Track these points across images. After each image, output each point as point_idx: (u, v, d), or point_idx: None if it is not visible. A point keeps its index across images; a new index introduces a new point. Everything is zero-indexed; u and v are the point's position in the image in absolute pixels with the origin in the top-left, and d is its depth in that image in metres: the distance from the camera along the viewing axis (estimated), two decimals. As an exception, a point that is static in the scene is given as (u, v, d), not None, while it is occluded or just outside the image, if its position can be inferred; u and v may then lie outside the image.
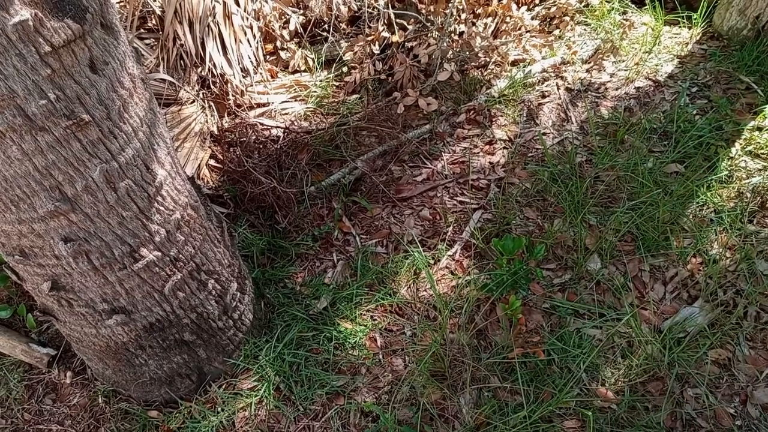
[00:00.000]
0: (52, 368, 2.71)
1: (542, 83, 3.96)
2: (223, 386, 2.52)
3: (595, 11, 4.40)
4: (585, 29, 4.38)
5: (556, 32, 4.37)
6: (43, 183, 1.56)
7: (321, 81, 4.11)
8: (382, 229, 3.21)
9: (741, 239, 2.83)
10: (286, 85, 4.04)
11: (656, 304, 2.68)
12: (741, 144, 3.25)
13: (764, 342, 2.51)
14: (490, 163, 3.48)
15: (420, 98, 3.93)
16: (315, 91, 4.04)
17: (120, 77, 1.63)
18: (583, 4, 4.46)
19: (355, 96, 4.04)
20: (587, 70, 4.02)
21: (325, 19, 4.25)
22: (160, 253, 1.95)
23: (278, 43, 4.23)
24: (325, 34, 4.28)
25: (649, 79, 3.83)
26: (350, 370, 2.59)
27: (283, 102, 3.94)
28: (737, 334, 2.53)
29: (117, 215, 1.76)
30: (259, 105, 3.89)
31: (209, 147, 3.51)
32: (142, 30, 3.84)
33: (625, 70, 3.95)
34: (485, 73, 4.09)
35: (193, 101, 3.60)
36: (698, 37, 4.09)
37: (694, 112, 3.49)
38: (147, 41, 3.76)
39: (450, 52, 4.06)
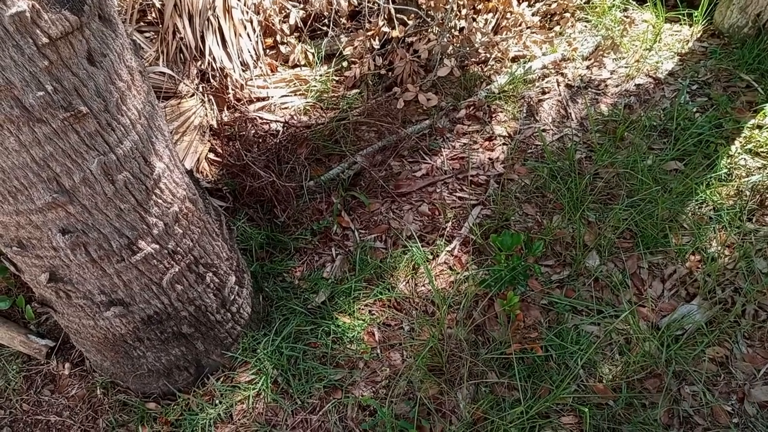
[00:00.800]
0: (51, 359, 2.71)
1: (542, 80, 3.96)
2: (221, 379, 2.53)
3: (596, 8, 4.39)
4: (586, 26, 4.37)
5: (557, 29, 4.36)
6: (40, 174, 1.56)
7: (321, 75, 4.10)
8: (381, 224, 3.21)
9: (740, 237, 2.83)
10: (286, 80, 4.04)
11: (654, 302, 2.69)
12: (741, 142, 3.25)
13: (762, 340, 2.51)
14: (490, 159, 3.48)
15: (420, 93, 3.92)
16: (315, 86, 4.03)
17: (118, 69, 1.62)
18: (584, 0, 4.46)
19: (354, 91, 4.04)
20: (588, 67, 4.02)
21: (326, 13, 4.25)
22: (158, 246, 1.95)
23: (278, 38, 4.22)
24: (325, 28, 4.27)
25: (650, 77, 3.82)
26: (348, 364, 2.59)
27: (282, 96, 3.94)
28: (735, 332, 2.53)
29: (115, 207, 1.76)
30: (258, 99, 3.88)
31: (208, 140, 3.51)
32: (141, 23, 3.83)
33: (625, 67, 3.95)
34: (485, 69, 4.08)
35: (193, 95, 3.59)
36: (699, 35, 4.08)
37: (694, 109, 3.48)
38: (147, 34, 3.75)
39: (450, 48, 4.05)
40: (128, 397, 2.53)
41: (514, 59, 4.15)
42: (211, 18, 3.71)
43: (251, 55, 3.91)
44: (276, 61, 4.17)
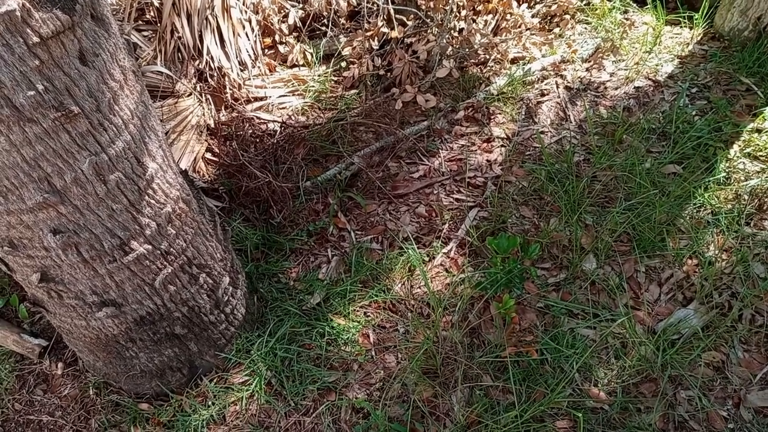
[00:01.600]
0: (44, 359, 2.70)
1: (541, 81, 3.95)
2: (215, 380, 2.52)
3: (596, 10, 4.38)
4: (586, 28, 4.36)
5: (557, 30, 4.35)
6: (31, 174, 1.55)
7: (319, 76, 4.09)
8: (377, 226, 3.20)
9: (738, 241, 2.81)
10: (284, 80, 4.03)
11: (651, 306, 2.67)
12: (740, 146, 3.23)
13: (758, 345, 2.50)
14: (488, 160, 3.47)
15: (418, 95, 3.91)
16: (313, 86, 4.02)
17: (110, 69, 1.61)
18: (584, 2, 4.45)
19: (353, 91, 4.03)
20: (587, 69, 4.00)
21: (325, 13, 4.24)
22: (150, 246, 1.94)
23: (277, 37, 4.21)
24: (324, 28, 4.26)
25: (649, 79, 3.81)
26: (342, 366, 2.58)
27: (280, 96, 3.93)
28: (732, 336, 2.52)
29: (107, 208, 1.75)
30: (256, 99, 3.87)
31: (205, 140, 3.50)
32: (140, 22, 3.82)
33: (625, 69, 3.93)
34: (484, 71, 4.07)
35: (190, 94, 3.58)
36: (699, 38, 4.07)
37: (694, 112, 3.47)
38: (145, 33, 3.74)
39: (449, 49, 4.04)
40: (121, 397, 2.52)
41: (514, 61, 4.14)
42: (210, 17, 3.70)
43: (249, 55, 3.90)
44: (274, 60, 4.16)
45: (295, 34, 4.30)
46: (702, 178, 3.07)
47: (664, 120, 3.46)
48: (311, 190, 3.35)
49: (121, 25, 3.64)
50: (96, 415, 2.50)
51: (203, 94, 3.67)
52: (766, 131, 3.26)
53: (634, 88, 3.77)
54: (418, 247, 3.03)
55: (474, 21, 4.23)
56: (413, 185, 3.39)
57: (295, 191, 3.29)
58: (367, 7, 4.12)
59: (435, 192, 3.34)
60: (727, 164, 3.15)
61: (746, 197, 2.98)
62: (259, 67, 4.00)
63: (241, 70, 3.85)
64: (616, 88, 3.80)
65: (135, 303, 2.05)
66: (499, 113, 3.75)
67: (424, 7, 4.09)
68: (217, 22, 3.72)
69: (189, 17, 3.64)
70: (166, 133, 3.29)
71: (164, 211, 1.93)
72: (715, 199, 2.99)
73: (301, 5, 4.32)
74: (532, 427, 2.28)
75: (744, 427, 2.28)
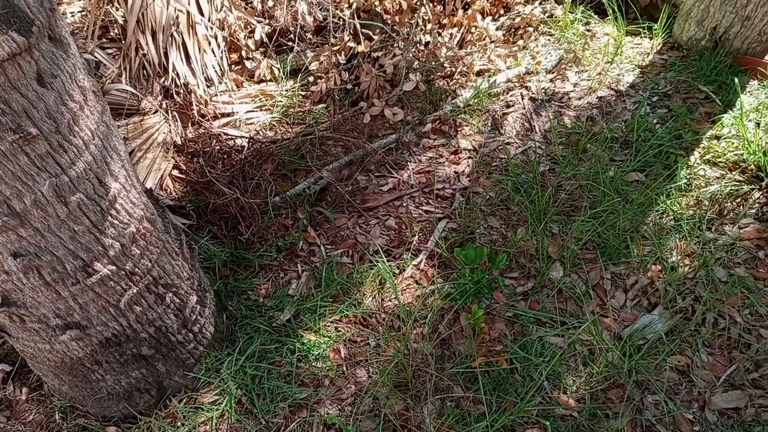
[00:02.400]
0: (7, 384, 2.64)
1: (507, 93, 4.01)
2: (184, 400, 2.48)
3: (559, 22, 4.46)
4: (549, 39, 4.44)
5: (521, 42, 4.42)
6: (-11, 198, 1.53)
7: (287, 90, 4.09)
8: (347, 239, 3.20)
9: (699, 247, 2.88)
10: (252, 95, 4.02)
11: (617, 312, 2.72)
12: (700, 152, 3.32)
13: (722, 348, 2.55)
14: (455, 172, 3.50)
15: (386, 108, 3.94)
16: (280, 101, 4.02)
17: (69, 90, 1.60)
18: (547, 14, 4.53)
19: (321, 106, 4.04)
20: (551, 80, 4.07)
21: (291, 28, 4.25)
22: (114, 267, 1.92)
23: (243, 53, 4.21)
24: (290, 43, 4.27)
25: (611, 89, 3.89)
26: (313, 382, 2.57)
27: (248, 112, 3.92)
28: (696, 340, 2.57)
29: (68, 229, 1.73)
30: (223, 115, 3.86)
31: (172, 157, 3.48)
32: (104, 39, 3.79)
33: (587, 80, 4.01)
34: (451, 83, 4.12)
35: (156, 111, 3.56)
36: (659, 48, 4.17)
37: (655, 121, 3.55)
38: (109, 51, 3.71)
39: (416, 63, 4.08)
40: (88, 421, 2.47)
41: (479, 73, 4.19)
42: (175, 34, 3.69)
43: (216, 71, 3.89)
44: (241, 76, 4.15)
45: (261, 49, 4.31)
46: (664, 185, 3.14)
47: (627, 129, 3.54)
48: (280, 205, 3.34)
49: (84, 42, 3.61)
50: (63, 440, 2.45)
51: (169, 111, 3.65)
52: (725, 138, 3.35)
53: (597, 97, 3.84)
54: (389, 260, 3.04)
55: (439, 34, 4.28)
56: (383, 198, 3.40)
57: (263, 207, 3.28)
58: (333, 21, 4.14)
59: (404, 204, 3.36)
60: (688, 171, 3.22)
61: (707, 203, 3.06)
62: (225, 83, 3.99)
63: (208, 87, 3.84)
64: (580, 99, 3.87)
65: (100, 325, 2.02)
66: (466, 125, 3.80)
67: (389, 22, 4.14)
68: (183, 38, 3.71)
69: (154, 34, 3.62)
70: (132, 152, 3.27)
71: (128, 231, 1.92)
72: (677, 205, 3.06)
73: (267, 21, 4.33)
74: (503, 437, 2.30)
75: (709, 429, 2.32)
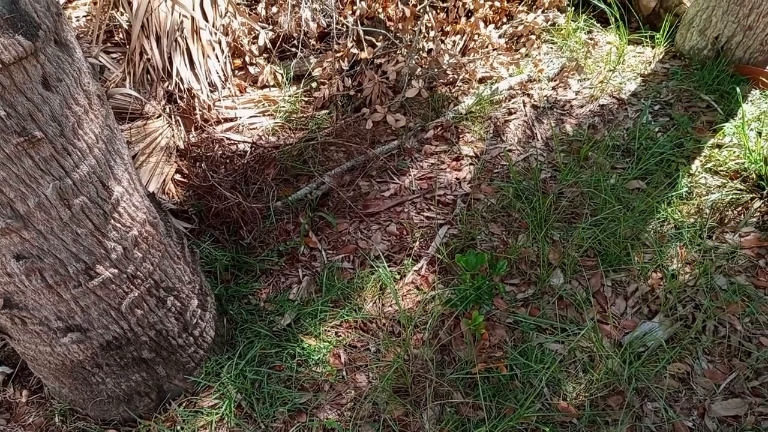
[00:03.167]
0: (8, 387, 2.65)
1: (509, 100, 4.02)
2: (184, 404, 2.49)
3: (562, 30, 4.48)
4: (551, 48, 4.46)
5: (523, 50, 4.44)
6: (-7, 200, 1.54)
7: (290, 96, 4.11)
8: (348, 245, 3.21)
9: (700, 255, 2.88)
10: (255, 100, 4.04)
11: (617, 319, 2.72)
12: (701, 161, 3.32)
13: (722, 356, 2.55)
14: (457, 179, 3.51)
15: (388, 114, 3.96)
16: (283, 107, 4.04)
17: (74, 94, 1.61)
18: (549, 23, 4.55)
19: (323, 111, 4.05)
20: (553, 88, 4.09)
21: (295, 34, 4.27)
22: (116, 270, 1.93)
23: (247, 59, 4.23)
24: (294, 49, 4.29)
25: (613, 97, 3.90)
26: (313, 386, 2.57)
27: (251, 117, 3.94)
28: (696, 348, 2.57)
29: (71, 232, 1.74)
30: (226, 120, 3.88)
31: (175, 162, 3.49)
32: (108, 44, 3.82)
33: (589, 87, 4.03)
34: (453, 90, 4.14)
35: (160, 116, 3.58)
36: (661, 56, 4.19)
37: (656, 129, 3.56)
38: (113, 55, 3.73)
39: (418, 69, 4.10)
40: (87, 424, 2.47)
41: (482, 80, 4.21)
42: (179, 39, 3.71)
43: (219, 76, 3.92)
44: (244, 82, 4.18)
45: (265, 55, 4.33)
46: (665, 193, 3.14)
47: (628, 137, 3.55)
48: (282, 210, 3.35)
49: (89, 47, 3.63)
50: (62, 442, 2.46)
51: (173, 116, 3.67)
52: (726, 147, 3.36)
53: (599, 105, 3.86)
54: (390, 266, 3.05)
55: (442, 41, 4.30)
56: (384, 204, 3.41)
57: (265, 212, 3.29)
58: (336, 28, 4.17)
59: (406, 210, 3.37)
60: (689, 179, 3.23)
61: (708, 211, 3.06)
62: (229, 89, 4.01)
63: (211, 92, 3.86)
64: (582, 106, 3.88)
65: (101, 328, 2.03)
66: (468, 132, 3.81)
67: (392, 28, 4.16)
68: (187, 43, 3.74)
69: (158, 39, 3.64)
70: (135, 156, 3.28)
71: (130, 234, 1.93)
72: (678, 213, 3.07)
73: (270, 27, 4.35)
74: (502, 443, 2.30)
75: (709, 438, 2.32)
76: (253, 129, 3.90)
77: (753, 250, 2.88)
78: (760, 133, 3.39)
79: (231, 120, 3.89)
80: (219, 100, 3.90)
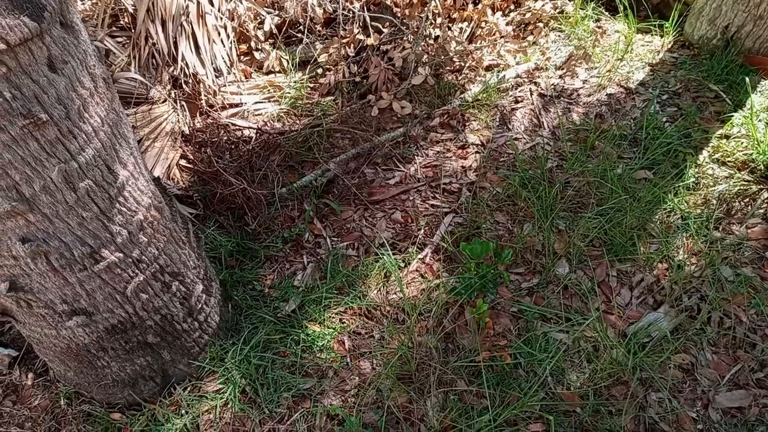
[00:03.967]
0: (14, 369, 2.66)
1: (516, 88, 3.99)
2: (188, 389, 2.50)
3: (570, 18, 4.44)
4: (559, 36, 4.42)
5: (530, 38, 4.40)
6: (-1, 182, 1.53)
7: (295, 82, 4.09)
8: (353, 232, 3.21)
9: (706, 246, 2.87)
10: (260, 86, 4.02)
11: (622, 309, 2.71)
12: (708, 151, 3.30)
13: (726, 347, 2.54)
14: (463, 167, 3.49)
15: (394, 101, 3.94)
16: (289, 93, 4.02)
17: (80, 76, 1.60)
18: (557, 10, 4.51)
19: (329, 98, 4.04)
20: (560, 76, 4.06)
21: (300, 20, 4.24)
22: (122, 255, 1.92)
23: (252, 44, 4.21)
24: (300, 35, 4.27)
25: (621, 86, 3.87)
26: (317, 373, 2.58)
27: (256, 103, 3.92)
28: (700, 339, 2.56)
29: (77, 216, 1.73)
30: (231, 105, 3.86)
31: (180, 147, 3.48)
32: (114, 28, 3.80)
33: (597, 76, 3.99)
34: (459, 78, 4.11)
35: (165, 101, 3.56)
36: (669, 46, 4.15)
37: (664, 119, 3.54)
38: (119, 39, 3.72)
39: (425, 56, 4.07)
40: (92, 407, 2.49)
41: (488, 68, 4.18)
42: (185, 24, 3.69)
43: (225, 62, 3.89)
44: (250, 67, 4.15)
45: (270, 40, 4.30)
46: (672, 184, 3.12)
47: (636, 126, 3.52)
48: (287, 196, 3.34)
49: (94, 31, 3.62)
50: (67, 425, 2.47)
51: (178, 101, 3.65)
52: (734, 137, 3.34)
53: (606, 95, 3.83)
54: (394, 253, 3.04)
55: (449, 28, 4.27)
56: (389, 191, 3.40)
57: (270, 198, 3.28)
58: (342, 14, 4.14)
59: (411, 198, 3.36)
60: (696, 170, 3.21)
61: (714, 202, 3.04)
62: (234, 74, 3.99)
63: (217, 77, 3.84)
64: (589, 95, 3.86)
65: (106, 312, 2.03)
66: (474, 120, 3.79)
67: (399, 15, 4.13)
68: (192, 28, 3.71)
69: (164, 23, 3.62)
70: (140, 140, 3.27)
71: (136, 218, 1.92)
72: (685, 204, 3.05)
73: (276, 12, 4.32)
74: (505, 431, 2.30)
75: (713, 428, 2.32)
76: (258, 115, 3.88)
77: (760, 241, 2.87)
78: (768, 124, 3.36)
79: (236, 106, 3.87)
80: (224, 86, 3.89)
